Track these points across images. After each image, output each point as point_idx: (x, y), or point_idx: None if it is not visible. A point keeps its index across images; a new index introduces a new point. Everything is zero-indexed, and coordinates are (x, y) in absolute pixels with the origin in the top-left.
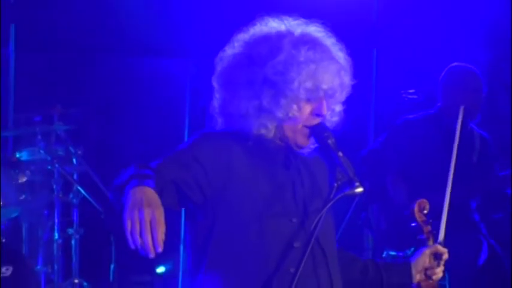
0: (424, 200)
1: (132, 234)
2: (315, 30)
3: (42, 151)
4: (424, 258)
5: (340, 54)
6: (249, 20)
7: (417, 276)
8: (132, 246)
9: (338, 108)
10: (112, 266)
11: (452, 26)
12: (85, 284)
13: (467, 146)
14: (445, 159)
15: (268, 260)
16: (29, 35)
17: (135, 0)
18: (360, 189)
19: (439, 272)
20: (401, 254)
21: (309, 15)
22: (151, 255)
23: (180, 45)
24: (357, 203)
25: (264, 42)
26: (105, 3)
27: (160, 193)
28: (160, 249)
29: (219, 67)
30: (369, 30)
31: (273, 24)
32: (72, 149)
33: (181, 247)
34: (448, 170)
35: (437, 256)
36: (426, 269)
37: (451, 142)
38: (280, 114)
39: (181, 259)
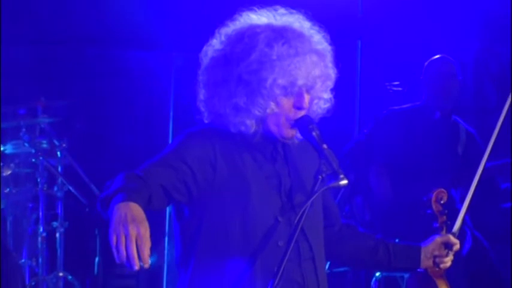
0: (443, 190)
1: (117, 248)
2: (294, 21)
3: (26, 144)
4: (434, 246)
5: (321, 45)
6: (234, 12)
7: (425, 262)
8: (118, 260)
9: (326, 96)
10: (97, 259)
11: (437, 18)
12: (70, 277)
13: (451, 137)
14: (428, 150)
15: (252, 258)
16: (13, 27)
17: None
18: (344, 182)
19: (447, 261)
20: None
21: (293, 6)
22: (136, 267)
23: (165, 38)
24: (341, 196)
25: (240, 40)
26: None
27: (149, 200)
28: (146, 266)
29: (203, 62)
30: (354, 21)
31: (253, 18)
32: (56, 142)
33: (166, 239)
34: (431, 162)
35: (448, 246)
36: (435, 257)
37: (433, 134)
38: (257, 112)
39: (166, 251)
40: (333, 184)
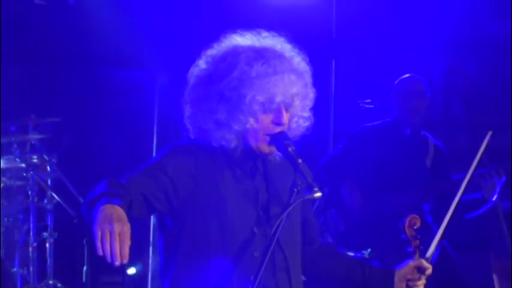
0: (416, 216)
1: (102, 242)
2: (276, 43)
3: (17, 159)
4: (407, 270)
5: (299, 65)
6: (217, 32)
7: (399, 285)
8: (100, 253)
9: (305, 114)
10: (85, 268)
11: (407, 38)
12: (59, 285)
13: (420, 151)
14: (399, 165)
15: (229, 268)
16: (5, 48)
17: (106, 14)
18: (318, 194)
19: (419, 284)
20: (358, 254)
21: (270, 29)
22: (118, 262)
23: (149, 57)
24: (316, 208)
25: (223, 60)
26: (78, 19)
27: (130, 207)
28: (126, 261)
29: (189, 81)
30: (328, 43)
31: (237, 40)
32: (46, 157)
33: (151, 249)
34: (402, 175)
35: (420, 270)
36: (408, 280)
37: (404, 149)
38: (237, 127)
39: (150, 261)
40: (308, 196)
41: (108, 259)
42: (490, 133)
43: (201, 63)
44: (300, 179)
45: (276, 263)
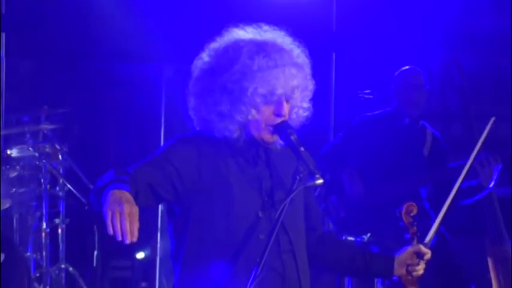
0: (412, 203)
1: (112, 221)
2: (277, 37)
3: (30, 148)
4: (406, 255)
5: (299, 58)
6: (220, 26)
7: (398, 271)
8: (111, 232)
9: (305, 105)
10: (95, 252)
11: (406, 30)
12: (71, 268)
13: (418, 140)
14: (398, 153)
15: (236, 250)
16: (18, 43)
17: (114, 10)
18: (320, 181)
19: (419, 269)
20: (358, 239)
21: (271, 22)
22: (128, 241)
23: (157, 51)
24: (318, 194)
25: (225, 53)
26: (87, 14)
27: (136, 195)
28: (135, 239)
29: (193, 73)
30: (328, 36)
31: (239, 34)
32: (58, 146)
33: (158, 235)
34: (400, 164)
35: (419, 255)
36: (408, 265)
37: (403, 138)
38: (239, 118)
39: (158, 245)
40: (310, 183)
41: (119, 237)
42: (493, 119)
43: (204, 56)
44: (302, 167)
45: (281, 245)
